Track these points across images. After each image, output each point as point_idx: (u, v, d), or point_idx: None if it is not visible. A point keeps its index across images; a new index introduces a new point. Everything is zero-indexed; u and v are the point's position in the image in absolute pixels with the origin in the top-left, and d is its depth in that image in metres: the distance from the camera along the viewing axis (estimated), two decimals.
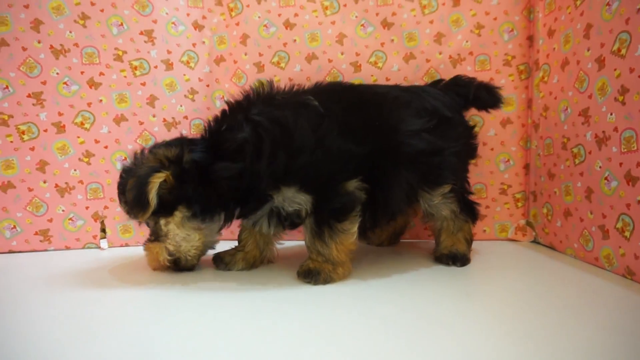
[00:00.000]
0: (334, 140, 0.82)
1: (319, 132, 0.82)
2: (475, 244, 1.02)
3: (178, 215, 0.86)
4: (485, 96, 1.01)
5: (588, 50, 0.91)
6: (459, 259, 0.95)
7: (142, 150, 0.89)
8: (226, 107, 0.90)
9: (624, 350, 0.54)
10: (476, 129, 1.06)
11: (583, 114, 0.92)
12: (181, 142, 0.87)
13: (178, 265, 0.90)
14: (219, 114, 0.91)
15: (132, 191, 0.80)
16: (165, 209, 0.84)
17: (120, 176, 0.88)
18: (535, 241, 1.16)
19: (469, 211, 0.98)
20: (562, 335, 0.58)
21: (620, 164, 0.82)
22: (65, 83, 1.12)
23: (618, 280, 0.81)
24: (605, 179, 0.86)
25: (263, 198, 0.83)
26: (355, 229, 0.84)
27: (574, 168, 0.96)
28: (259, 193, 0.83)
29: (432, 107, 0.93)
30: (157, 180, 0.80)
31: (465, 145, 0.99)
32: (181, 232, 0.87)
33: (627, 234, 0.80)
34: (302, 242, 0.90)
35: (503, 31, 1.14)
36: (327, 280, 0.82)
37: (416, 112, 0.91)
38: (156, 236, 0.89)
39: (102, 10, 1.13)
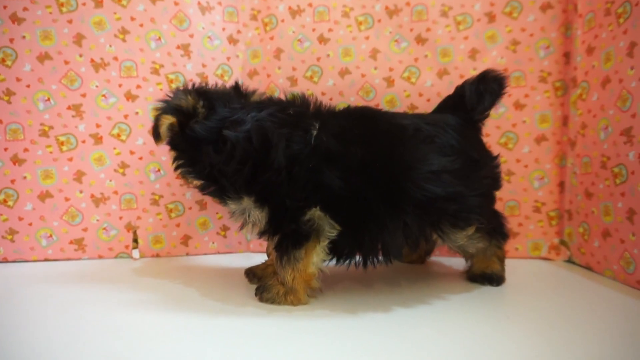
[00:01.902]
0: (310, 171, 0.77)
1: (297, 158, 0.77)
2: (507, 262, 1.00)
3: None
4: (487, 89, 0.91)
5: (632, 68, 0.89)
6: (495, 280, 0.93)
7: (184, 87, 0.90)
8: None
9: None
10: (508, 152, 1.02)
11: (625, 133, 0.91)
12: (210, 103, 0.85)
13: None
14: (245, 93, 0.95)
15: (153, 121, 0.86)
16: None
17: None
18: (569, 260, 1.13)
19: (500, 234, 0.94)
20: (599, 356, 0.57)
21: None
22: (103, 95, 1.15)
23: None
24: None
25: (224, 196, 0.84)
26: (313, 260, 0.79)
27: (615, 188, 0.94)
28: (223, 191, 0.83)
29: (459, 144, 0.84)
30: (165, 121, 0.83)
31: (491, 180, 0.91)
32: None
33: None
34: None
35: (539, 48, 1.13)
36: (270, 300, 0.80)
37: (440, 148, 0.82)
38: None
39: (141, 25, 1.15)
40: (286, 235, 0.79)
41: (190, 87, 0.89)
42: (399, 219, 0.79)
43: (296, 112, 0.83)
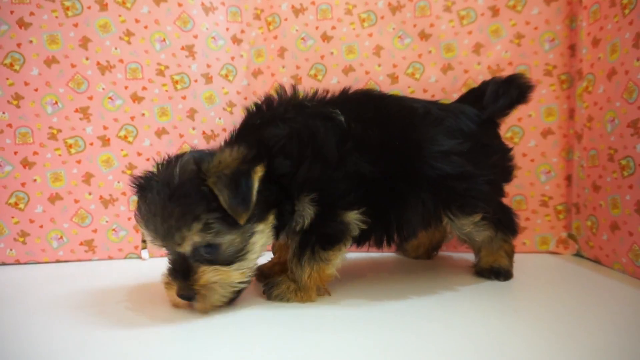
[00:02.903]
0: (352, 162, 0.78)
1: (341, 150, 0.78)
2: (515, 257, 1.00)
3: (270, 220, 0.75)
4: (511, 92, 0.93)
5: (638, 60, 0.89)
6: (502, 274, 0.93)
7: (177, 159, 0.75)
8: (252, 109, 0.86)
9: None
10: (514, 146, 1.02)
11: (632, 125, 0.90)
12: (228, 144, 0.80)
13: (235, 298, 0.77)
14: (245, 115, 0.87)
15: (227, 188, 0.68)
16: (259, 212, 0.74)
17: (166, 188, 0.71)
18: (578, 254, 1.13)
19: (508, 227, 0.95)
20: (609, 353, 0.57)
21: None
22: (110, 98, 1.16)
23: None
24: None
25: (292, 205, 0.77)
26: (337, 260, 0.80)
27: (622, 180, 0.93)
28: (291, 198, 0.77)
29: (469, 129, 0.87)
30: (259, 173, 0.71)
31: (502, 170, 0.93)
32: (261, 247, 0.77)
33: None
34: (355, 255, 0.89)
35: (544, 41, 1.13)
36: (280, 297, 0.80)
37: (448, 131, 0.85)
38: (226, 257, 0.73)
39: (146, 27, 1.16)
40: (322, 235, 0.78)
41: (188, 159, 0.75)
42: (417, 197, 0.83)
43: (314, 104, 0.84)
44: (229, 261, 0.72)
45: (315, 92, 0.88)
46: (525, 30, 1.13)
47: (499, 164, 0.92)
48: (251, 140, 0.76)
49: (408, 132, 0.83)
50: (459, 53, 1.16)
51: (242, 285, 0.75)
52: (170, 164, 0.74)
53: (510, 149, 0.96)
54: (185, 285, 0.71)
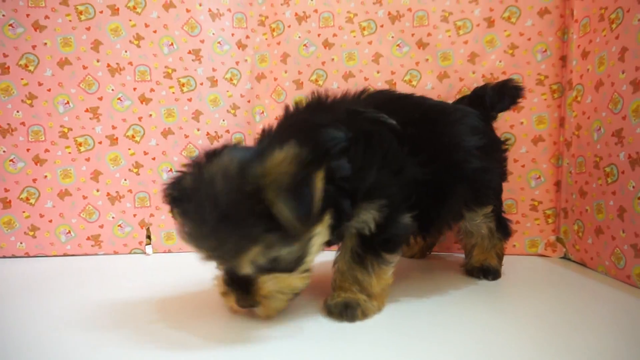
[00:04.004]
0: (410, 166, 0.77)
1: (402, 155, 0.77)
2: (505, 259, 1.04)
3: (326, 220, 0.68)
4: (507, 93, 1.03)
5: (623, 72, 0.93)
6: (491, 273, 0.98)
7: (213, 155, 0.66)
8: (298, 106, 0.82)
9: None
10: (507, 147, 1.09)
11: (616, 134, 0.95)
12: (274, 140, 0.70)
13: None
14: (280, 117, 0.82)
15: (289, 202, 0.59)
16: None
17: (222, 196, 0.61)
18: (565, 257, 1.17)
19: (504, 229, 1.01)
20: (591, 352, 0.61)
21: None
22: (119, 99, 1.21)
23: None
24: (638, 198, 0.88)
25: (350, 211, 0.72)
26: (396, 262, 0.78)
27: (607, 187, 0.98)
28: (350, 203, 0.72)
29: (481, 126, 0.94)
30: (320, 176, 0.63)
31: (504, 167, 1.02)
32: (318, 247, 0.70)
33: None
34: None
35: (537, 51, 1.17)
36: (365, 314, 0.73)
37: (470, 129, 0.90)
38: (286, 265, 0.67)
39: (155, 32, 1.21)
40: (386, 240, 0.75)
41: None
42: (455, 192, 0.86)
43: (359, 107, 0.81)
44: (289, 268, 0.67)
45: (345, 95, 0.85)
46: (519, 41, 1.18)
47: (503, 158, 1.01)
48: (301, 139, 0.65)
49: (447, 130, 0.88)
50: (454, 62, 1.20)
51: (303, 288, 0.71)
52: (207, 167, 0.63)
53: (505, 148, 1.03)
54: (246, 296, 0.67)
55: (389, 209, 0.73)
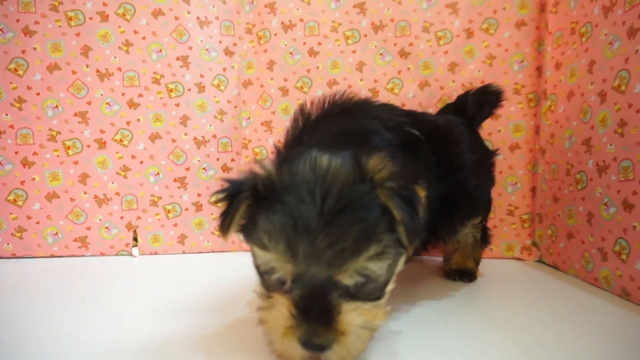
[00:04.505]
0: (435, 180, 0.74)
1: (435, 167, 0.77)
2: (483, 262, 1.08)
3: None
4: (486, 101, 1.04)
5: (591, 84, 0.98)
6: (467, 275, 1.01)
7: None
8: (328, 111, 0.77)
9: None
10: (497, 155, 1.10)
11: (586, 143, 0.99)
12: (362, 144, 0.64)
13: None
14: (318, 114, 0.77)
15: (405, 206, 0.53)
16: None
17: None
18: (540, 261, 1.21)
19: (485, 238, 1.04)
20: (561, 349, 0.65)
21: (618, 192, 0.88)
22: (107, 103, 1.23)
23: (615, 300, 0.87)
24: (605, 204, 0.92)
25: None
26: None
27: (577, 193, 1.02)
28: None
29: (471, 139, 0.95)
30: (423, 193, 0.58)
31: (492, 176, 1.05)
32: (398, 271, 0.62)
33: (623, 256, 0.86)
34: None
35: (513, 62, 1.22)
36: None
37: (467, 145, 0.91)
38: (371, 291, 0.55)
39: (144, 38, 1.24)
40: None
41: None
42: (459, 208, 0.87)
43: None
44: (374, 296, 0.56)
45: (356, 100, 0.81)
46: (497, 52, 1.22)
47: (490, 169, 1.03)
48: (357, 147, 0.59)
49: (453, 148, 0.87)
50: (435, 71, 1.24)
51: (380, 328, 0.59)
52: (297, 164, 0.55)
53: (494, 154, 1.05)
54: (324, 329, 0.50)
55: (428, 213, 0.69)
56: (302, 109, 0.78)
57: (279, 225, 0.51)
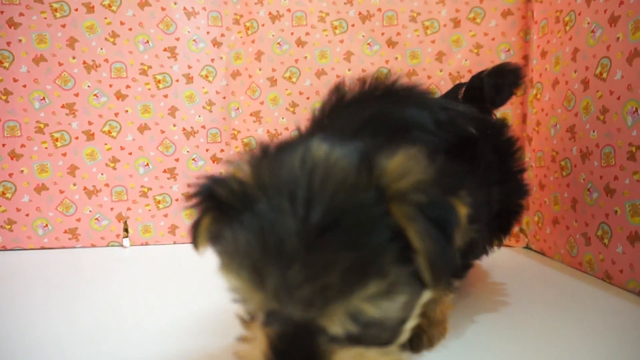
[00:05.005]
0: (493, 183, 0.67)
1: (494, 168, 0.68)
2: None
3: None
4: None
5: (575, 72, 0.99)
6: None
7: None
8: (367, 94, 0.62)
9: (598, 343, 0.62)
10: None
11: (570, 130, 1.00)
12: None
13: None
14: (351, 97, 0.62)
15: (431, 230, 0.37)
16: None
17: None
18: (527, 247, 1.23)
19: None
20: (547, 331, 0.66)
21: (601, 177, 0.89)
22: (95, 95, 1.23)
23: (598, 283, 0.88)
24: (588, 190, 0.93)
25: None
26: None
27: (562, 179, 1.04)
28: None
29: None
30: (465, 208, 0.42)
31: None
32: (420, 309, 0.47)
33: (605, 241, 0.88)
34: None
35: (500, 51, 1.23)
36: (431, 342, 0.59)
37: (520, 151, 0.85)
38: (379, 333, 0.41)
39: (130, 29, 1.23)
40: (464, 266, 0.64)
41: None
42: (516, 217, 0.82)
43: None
44: (383, 340, 0.41)
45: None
46: (484, 41, 1.23)
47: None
48: (396, 141, 0.43)
49: (513, 148, 0.82)
50: (423, 60, 1.25)
51: None
52: (284, 160, 0.40)
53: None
54: None
55: (479, 232, 0.58)
56: (337, 87, 0.63)
57: (244, 244, 0.37)
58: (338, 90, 0.62)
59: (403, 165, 0.39)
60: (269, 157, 0.42)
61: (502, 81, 0.91)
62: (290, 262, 0.35)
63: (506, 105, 1.22)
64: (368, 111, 0.56)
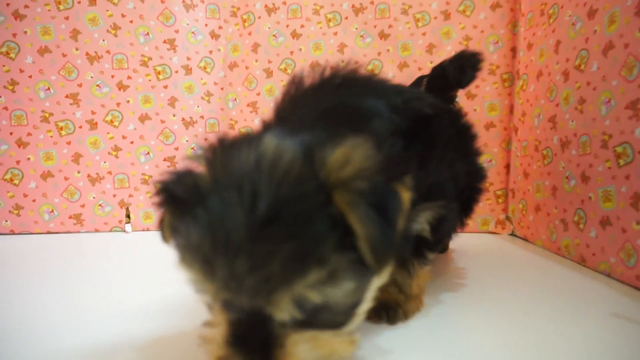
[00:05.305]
0: (456, 157, 0.70)
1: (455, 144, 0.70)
2: (460, 236, 1.08)
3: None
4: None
5: (557, 63, 1.02)
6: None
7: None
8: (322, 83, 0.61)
9: (568, 320, 0.66)
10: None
11: (551, 120, 1.04)
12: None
13: None
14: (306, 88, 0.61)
15: (372, 215, 0.39)
16: None
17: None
18: (512, 234, 1.28)
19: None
20: (527, 312, 0.70)
21: (578, 165, 0.94)
22: (98, 85, 1.28)
23: (574, 267, 0.93)
24: (567, 177, 0.98)
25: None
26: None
27: (544, 168, 1.08)
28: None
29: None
30: (408, 191, 0.44)
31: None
32: (375, 291, 0.49)
33: (581, 226, 0.92)
34: None
35: (489, 43, 1.26)
36: (406, 315, 0.64)
37: (469, 126, 0.89)
38: (331, 317, 0.44)
39: (131, 22, 1.28)
40: (435, 240, 0.66)
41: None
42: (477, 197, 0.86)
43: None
44: (335, 323, 0.44)
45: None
46: (473, 33, 1.26)
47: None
48: (351, 130, 0.45)
49: (470, 130, 0.87)
50: (414, 52, 1.29)
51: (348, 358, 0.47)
52: (237, 154, 0.42)
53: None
54: None
55: (446, 207, 0.63)
56: (294, 77, 0.63)
57: (196, 237, 0.39)
58: (296, 81, 0.62)
59: (345, 155, 0.41)
60: (223, 152, 0.43)
61: (465, 63, 0.93)
62: (236, 253, 0.37)
63: (494, 96, 1.27)
64: (326, 102, 0.58)
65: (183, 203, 0.41)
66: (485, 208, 1.30)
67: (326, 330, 0.43)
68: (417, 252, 0.64)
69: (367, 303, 0.47)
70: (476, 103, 1.27)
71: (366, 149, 0.42)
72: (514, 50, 1.25)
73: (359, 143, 0.42)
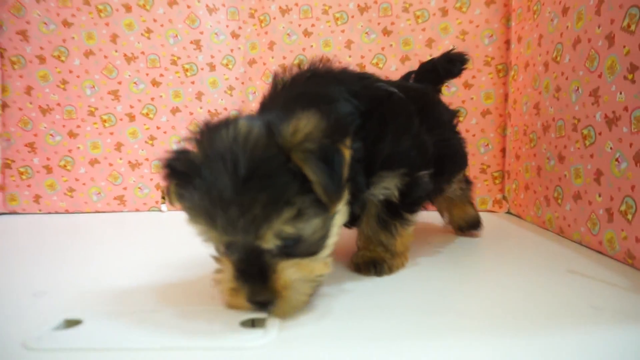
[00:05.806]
0: (422, 130, 0.79)
1: (415, 119, 0.78)
2: None
3: (345, 195, 0.62)
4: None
5: (539, 55, 1.13)
6: (479, 225, 1.08)
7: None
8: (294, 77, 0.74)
9: (543, 281, 0.75)
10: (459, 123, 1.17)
11: (536, 107, 1.15)
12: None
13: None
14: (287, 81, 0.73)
15: (320, 167, 0.53)
16: None
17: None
18: (508, 212, 1.39)
19: (467, 181, 1.10)
20: (516, 278, 0.77)
21: (555, 147, 1.05)
22: (135, 83, 1.46)
23: (554, 237, 1.03)
24: (547, 158, 1.09)
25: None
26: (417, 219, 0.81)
27: (530, 150, 1.19)
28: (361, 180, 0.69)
29: (444, 103, 1.04)
30: (349, 148, 0.58)
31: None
32: (339, 228, 0.65)
33: (560, 201, 1.04)
34: None
35: (484, 36, 1.37)
36: (391, 269, 0.77)
37: (444, 107, 1.00)
38: (307, 247, 0.58)
39: (162, 25, 1.45)
40: (409, 202, 0.76)
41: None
42: (446, 163, 0.89)
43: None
44: (311, 251, 0.59)
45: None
46: (469, 28, 1.37)
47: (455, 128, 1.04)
48: (316, 109, 0.59)
49: (434, 108, 0.94)
50: (414, 46, 1.41)
51: (323, 279, 0.61)
52: (220, 135, 0.55)
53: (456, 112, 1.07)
54: (262, 288, 0.55)
55: (411, 174, 0.74)
56: (275, 75, 0.76)
57: (198, 200, 0.53)
58: (276, 77, 0.76)
59: (294, 126, 0.55)
60: (209, 133, 0.57)
61: (453, 58, 1.06)
62: (228, 205, 0.51)
63: (490, 85, 1.38)
64: (296, 91, 0.71)
65: (184, 175, 0.55)
66: (483, 188, 1.42)
67: (305, 258, 0.58)
68: (396, 214, 0.77)
69: (334, 237, 0.62)
70: (473, 92, 1.39)
71: (312, 120, 0.56)
72: (507, 42, 1.36)
73: (306, 116, 0.56)
